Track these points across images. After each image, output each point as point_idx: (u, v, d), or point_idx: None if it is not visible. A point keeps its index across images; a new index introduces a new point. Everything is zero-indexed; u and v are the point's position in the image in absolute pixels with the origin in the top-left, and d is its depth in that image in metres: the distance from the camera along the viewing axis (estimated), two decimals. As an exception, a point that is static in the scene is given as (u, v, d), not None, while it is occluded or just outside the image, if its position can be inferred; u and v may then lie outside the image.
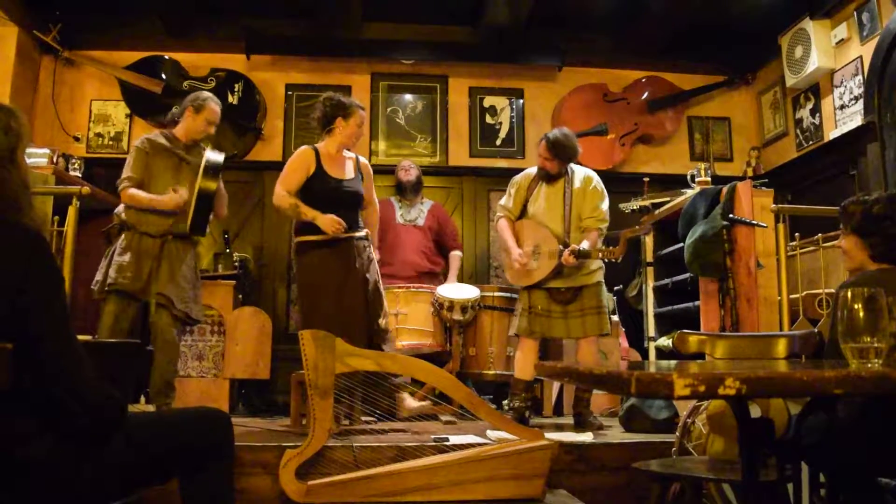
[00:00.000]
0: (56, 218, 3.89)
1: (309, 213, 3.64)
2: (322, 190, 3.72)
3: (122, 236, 3.78)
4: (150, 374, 3.70)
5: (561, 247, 3.85)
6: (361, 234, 3.77)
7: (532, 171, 4.18)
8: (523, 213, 4.11)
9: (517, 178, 4.20)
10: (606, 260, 3.84)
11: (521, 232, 4.07)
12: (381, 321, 3.74)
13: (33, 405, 1.56)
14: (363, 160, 3.95)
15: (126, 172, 3.81)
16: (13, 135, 1.65)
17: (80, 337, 1.70)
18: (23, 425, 1.55)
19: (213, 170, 3.74)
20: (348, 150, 3.86)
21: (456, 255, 5.13)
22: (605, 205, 4.01)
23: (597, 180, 4.06)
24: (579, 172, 4.08)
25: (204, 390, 4.51)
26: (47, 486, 1.57)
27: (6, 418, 1.52)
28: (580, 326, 3.91)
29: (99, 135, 5.78)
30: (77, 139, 5.69)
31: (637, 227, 4.02)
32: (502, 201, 4.22)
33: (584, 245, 3.84)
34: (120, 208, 3.85)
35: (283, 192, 3.71)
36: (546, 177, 4.03)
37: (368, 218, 3.94)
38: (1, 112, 1.66)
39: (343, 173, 3.78)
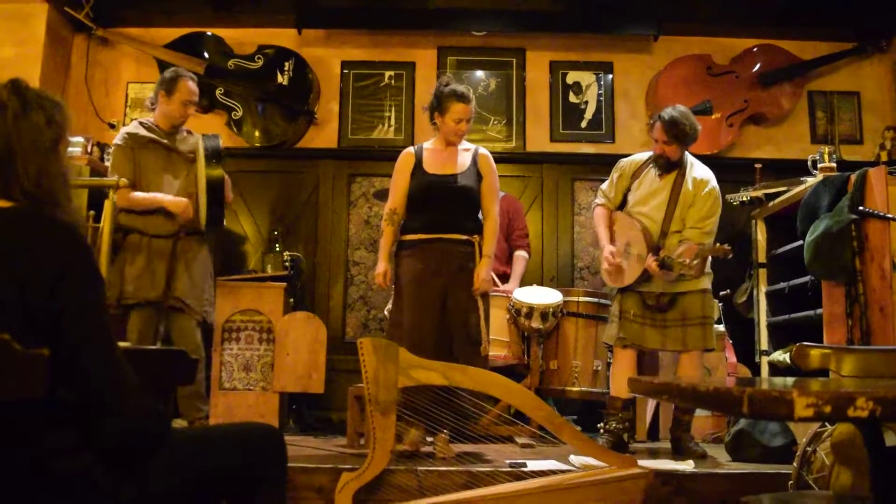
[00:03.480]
0: (91, 213, 4.04)
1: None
2: (415, 187, 3.79)
3: (128, 241, 3.91)
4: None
5: (649, 252, 3.84)
6: (458, 237, 3.73)
7: (642, 156, 4.17)
8: (624, 202, 4.12)
9: (623, 161, 4.21)
10: (684, 274, 3.74)
11: (616, 224, 4.10)
12: (480, 347, 3.62)
13: (71, 417, 1.62)
14: (483, 152, 3.90)
15: (112, 175, 3.92)
16: (56, 127, 1.76)
17: (120, 344, 1.76)
18: (60, 439, 1.61)
19: (215, 156, 3.88)
20: (456, 143, 3.85)
21: (521, 255, 5.08)
22: (716, 218, 3.95)
23: (713, 185, 3.99)
24: (698, 171, 4.03)
25: (251, 404, 4.61)
26: (85, 506, 1.63)
27: (43, 431, 1.59)
28: (679, 338, 3.88)
29: (136, 121, 5.97)
30: (112, 126, 5.86)
31: (720, 246, 3.82)
32: (604, 186, 4.24)
33: (677, 253, 3.77)
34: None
35: (385, 209, 3.86)
36: (664, 165, 3.99)
37: (484, 223, 3.84)
38: (47, 103, 1.76)
39: (447, 168, 3.79)
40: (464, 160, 3.83)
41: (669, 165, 3.99)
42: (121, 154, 3.97)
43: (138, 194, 3.90)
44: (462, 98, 3.75)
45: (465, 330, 3.63)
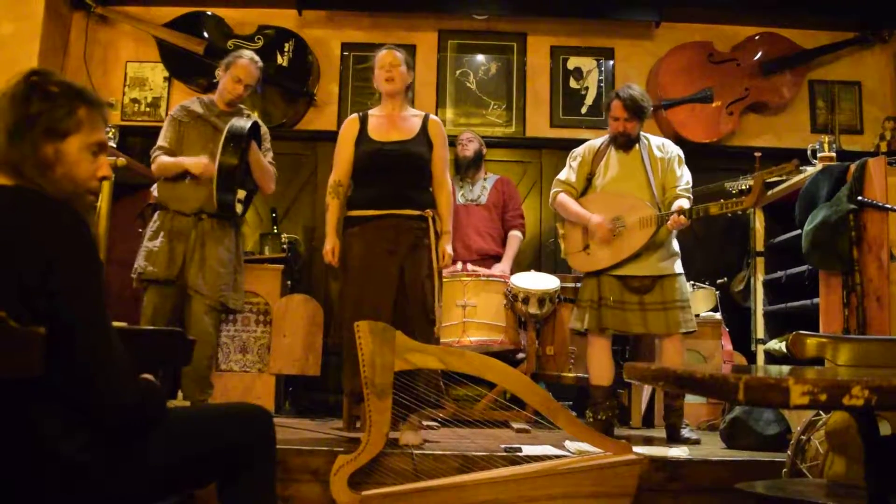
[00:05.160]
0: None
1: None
2: (361, 155, 3.63)
3: (155, 217, 3.91)
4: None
5: (657, 212, 3.82)
6: (410, 212, 3.57)
7: (595, 142, 4.23)
8: (586, 190, 4.13)
9: (578, 150, 4.25)
10: (731, 213, 3.76)
11: (589, 209, 4.05)
12: (435, 326, 3.53)
13: (66, 398, 1.62)
14: (434, 119, 3.76)
15: (158, 142, 3.99)
16: (74, 119, 1.72)
17: (115, 324, 1.75)
18: (55, 419, 1.61)
19: (233, 140, 3.75)
20: (389, 91, 3.72)
21: (515, 235, 5.10)
22: (689, 176, 4.02)
23: (677, 148, 4.09)
24: (654, 139, 4.13)
25: (247, 386, 4.62)
26: (80, 486, 1.63)
27: (37, 411, 1.59)
28: (662, 322, 3.87)
29: (135, 100, 5.95)
30: (111, 105, 5.85)
31: (775, 167, 3.82)
32: (561, 175, 4.22)
33: (685, 205, 3.80)
34: (154, 186, 4.00)
35: (329, 181, 3.72)
36: (625, 143, 4.04)
37: (437, 196, 3.70)
38: (78, 94, 1.74)
39: (394, 134, 3.64)
40: (413, 126, 3.68)
41: (630, 142, 4.05)
42: (169, 125, 4.02)
43: (165, 158, 3.89)
44: (392, 53, 3.73)
45: (422, 309, 3.50)
